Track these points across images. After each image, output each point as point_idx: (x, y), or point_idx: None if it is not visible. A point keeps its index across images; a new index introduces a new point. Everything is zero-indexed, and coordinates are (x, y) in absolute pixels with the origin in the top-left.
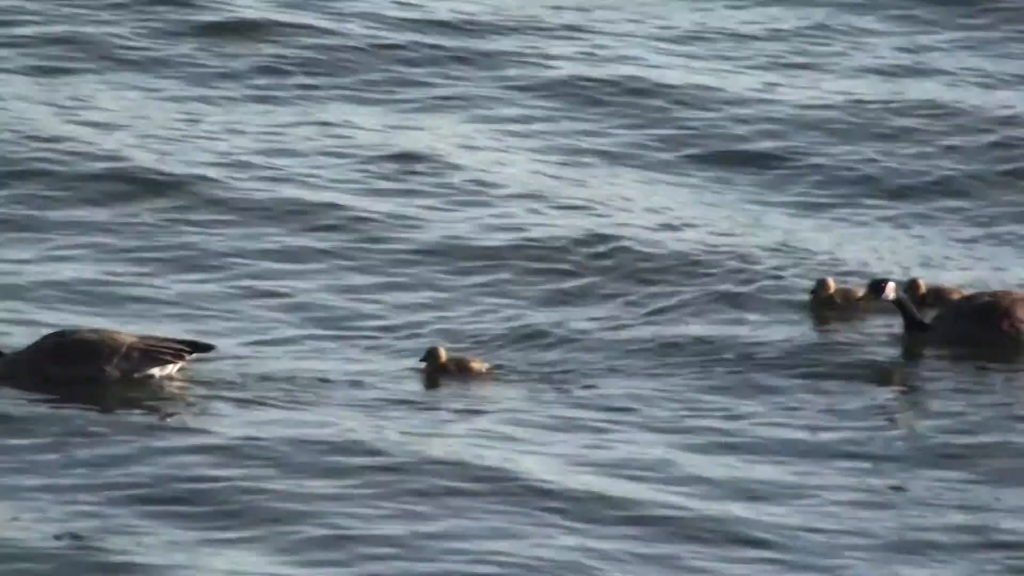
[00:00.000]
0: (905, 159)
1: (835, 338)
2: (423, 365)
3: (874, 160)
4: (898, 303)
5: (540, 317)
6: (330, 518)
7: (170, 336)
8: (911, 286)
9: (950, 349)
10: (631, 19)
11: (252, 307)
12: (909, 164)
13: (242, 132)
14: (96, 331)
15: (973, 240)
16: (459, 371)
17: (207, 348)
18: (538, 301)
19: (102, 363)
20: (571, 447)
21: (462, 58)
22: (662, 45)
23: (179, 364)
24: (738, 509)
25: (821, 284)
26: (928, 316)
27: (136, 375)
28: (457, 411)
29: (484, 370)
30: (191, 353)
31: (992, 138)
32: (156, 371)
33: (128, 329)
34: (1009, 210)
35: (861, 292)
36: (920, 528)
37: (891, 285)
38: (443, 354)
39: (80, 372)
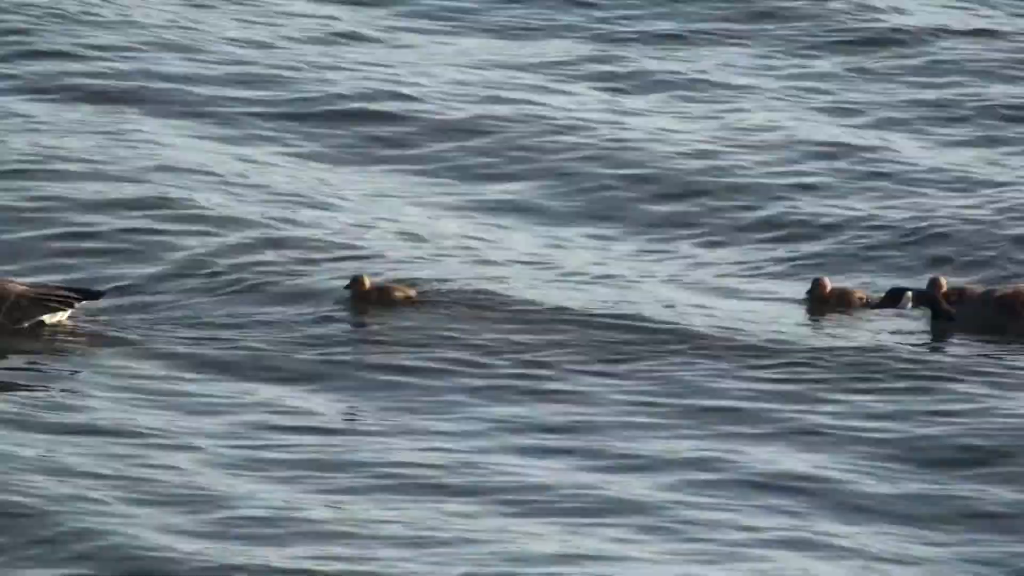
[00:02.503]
0: None
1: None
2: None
3: None
4: (924, 302)
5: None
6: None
7: (60, 284)
8: (932, 284)
9: (975, 337)
10: None
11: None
12: None
13: None
14: None
15: None
16: (381, 298)
17: (97, 295)
18: None
19: None
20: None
21: None
22: None
23: (68, 311)
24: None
25: (817, 283)
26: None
27: (26, 323)
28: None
29: (407, 297)
30: (80, 300)
31: None
32: (46, 318)
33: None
34: None
35: (859, 293)
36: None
37: (909, 294)
38: (367, 281)
39: None
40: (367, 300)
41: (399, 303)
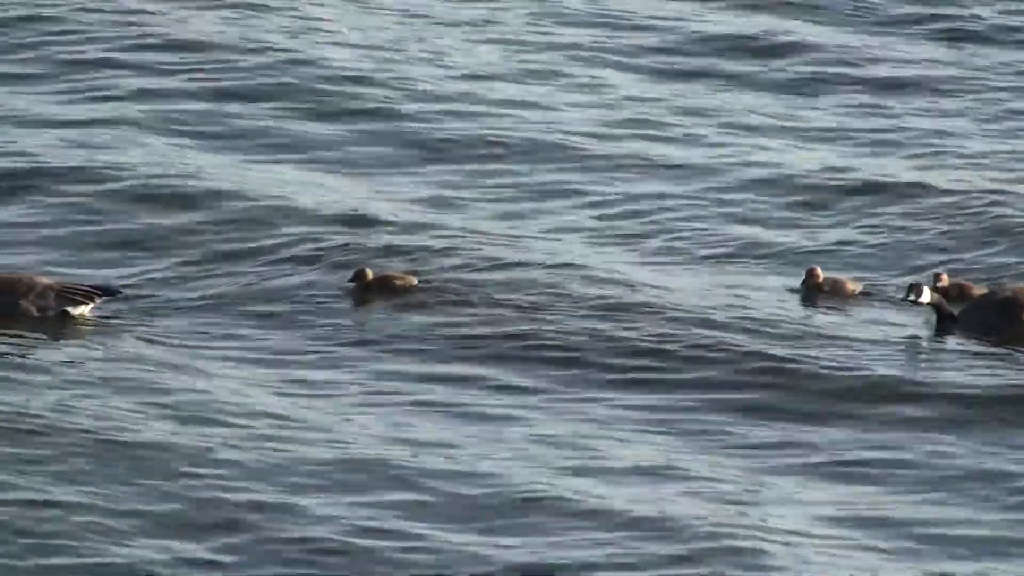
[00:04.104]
0: None
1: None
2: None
3: None
4: (934, 305)
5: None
6: None
7: (84, 281)
8: (934, 279)
9: (975, 337)
10: None
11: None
12: None
13: None
14: (18, 273)
15: None
16: (384, 288)
17: (116, 292)
18: None
19: (19, 298)
20: None
21: None
22: None
23: (91, 305)
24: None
25: (809, 273)
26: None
27: (51, 312)
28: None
29: (409, 285)
30: (101, 296)
31: None
32: (69, 309)
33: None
34: None
35: (851, 284)
36: None
37: (927, 289)
38: (370, 273)
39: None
40: (370, 290)
41: (399, 290)
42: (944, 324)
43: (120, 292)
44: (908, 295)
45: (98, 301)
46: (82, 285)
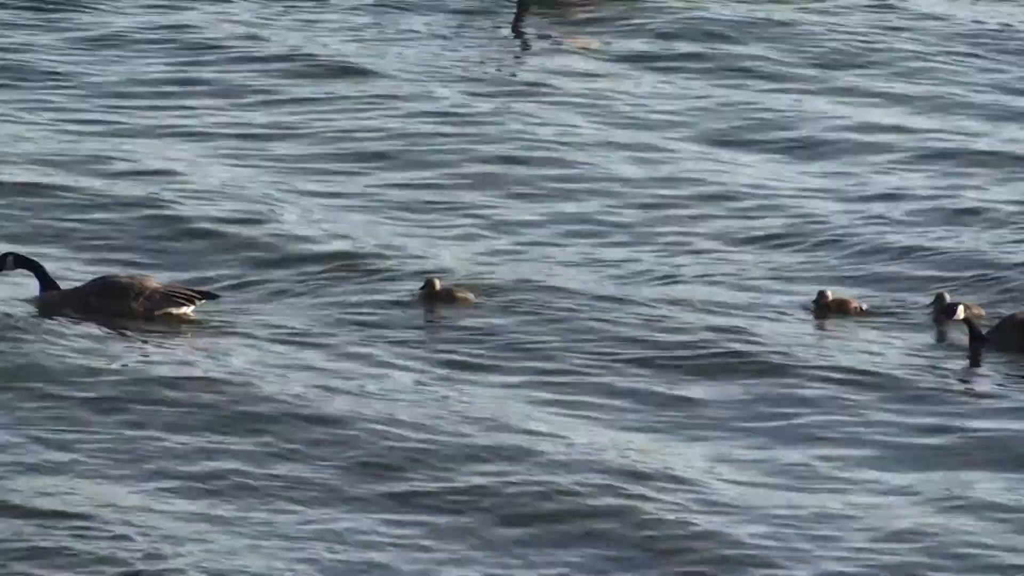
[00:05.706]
0: None
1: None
2: (421, 292)
3: None
4: (966, 321)
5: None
6: None
7: (188, 286)
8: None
9: (1006, 356)
10: None
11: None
12: None
13: None
14: (131, 276)
15: None
16: (447, 299)
17: (214, 297)
18: None
19: (131, 301)
20: None
21: None
22: None
23: (192, 307)
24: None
25: (820, 294)
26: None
27: (156, 312)
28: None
29: (468, 298)
30: (201, 299)
31: None
32: (172, 310)
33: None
34: None
35: (855, 303)
36: None
37: (961, 308)
38: (437, 284)
39: (114, 306)
40: (437, 299)
41: (461, 303)
42: (976, 342)
43: (218, 296)
44: (942, 313)
45: (199, 303)
46: (185, 289)
